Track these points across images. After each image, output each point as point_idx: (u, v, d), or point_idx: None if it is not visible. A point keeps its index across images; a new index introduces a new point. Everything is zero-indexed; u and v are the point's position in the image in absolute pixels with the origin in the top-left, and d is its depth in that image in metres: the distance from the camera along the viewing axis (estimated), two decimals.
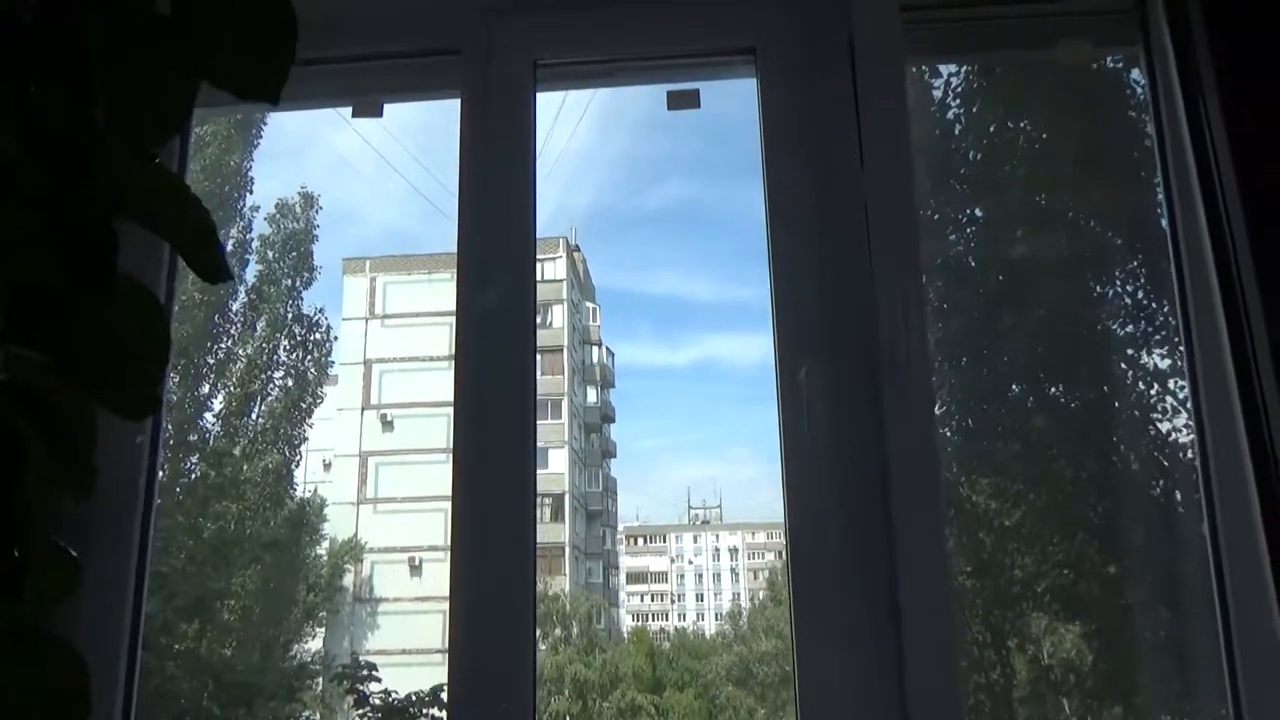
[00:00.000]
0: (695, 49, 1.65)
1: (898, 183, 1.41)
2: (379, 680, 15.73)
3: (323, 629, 14.90)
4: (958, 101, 3.14)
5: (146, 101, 0.64)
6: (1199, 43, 0.71)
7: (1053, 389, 2.99)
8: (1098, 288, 2.81)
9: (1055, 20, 1.53)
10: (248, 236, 12.38)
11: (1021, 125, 3.09)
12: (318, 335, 12.69)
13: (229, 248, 12.18)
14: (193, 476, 10.61)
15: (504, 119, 1.59)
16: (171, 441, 10.24)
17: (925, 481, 1.31)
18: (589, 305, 26.60)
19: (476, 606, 1.44)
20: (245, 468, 10.93)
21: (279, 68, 0.67)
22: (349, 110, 1.70)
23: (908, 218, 1.40)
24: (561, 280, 24.26)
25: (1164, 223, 1.07)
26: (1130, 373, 2.73)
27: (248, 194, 12.33)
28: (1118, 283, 2.81)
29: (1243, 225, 0.72)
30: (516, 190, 1.57)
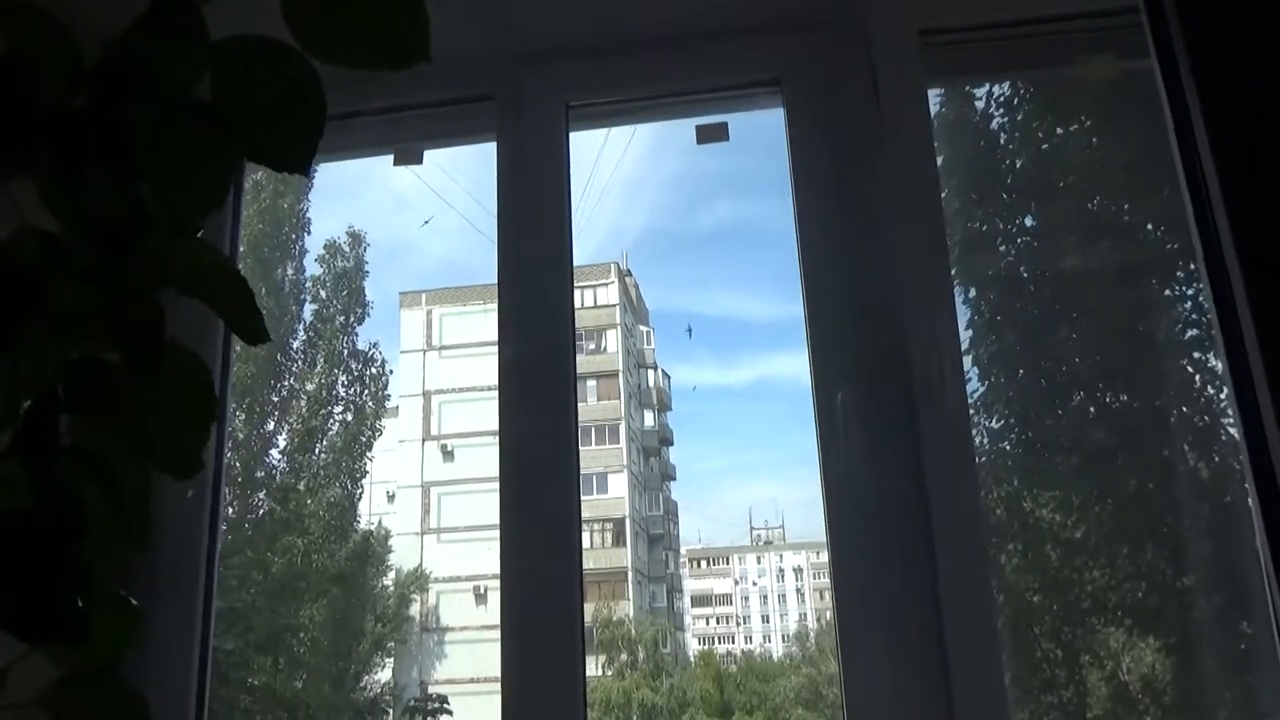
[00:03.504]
0: (721, 83, 1.67)
1: (925, 205, 1.41)
2: (450, 713, 15.84)
3: (391, 659, 15.07)
4: (1001, 111, 3.12)
5: (188, 183, 0.69)
6: (1178, 46, 0.72)
7: (1113, 398, 2.93)
8: (1164, 291, 2.76)
9: (1076, 37, 1.53)
10: (302, 276, 12.73)
11: (1072, 129, 3.05)
12: (373, 369, 12.97)
13: (285, 287, 12.53)
14: (260, 512, 10.86)
15: (538, 161, 1.64)
16: (240, 479, 10.52)
17: (964, 501, 1.31)
18: (642, 329, 26.70)
19: (524, 633, 1.47)
20: (309, 502, 11.16)
21: (309, 143, 0.71)
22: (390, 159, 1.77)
23: (936, 239, 1.41)
24: (614, 305, 24.40)
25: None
26: (1197, 377, 2.66)
27: (305, 234, 12.69)
28: (1178, 286, 2.75)
29: (1229, 233, 0.72)
30: (552, 229, 1.62)
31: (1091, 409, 2.92)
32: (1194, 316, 2.70)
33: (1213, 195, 0.72)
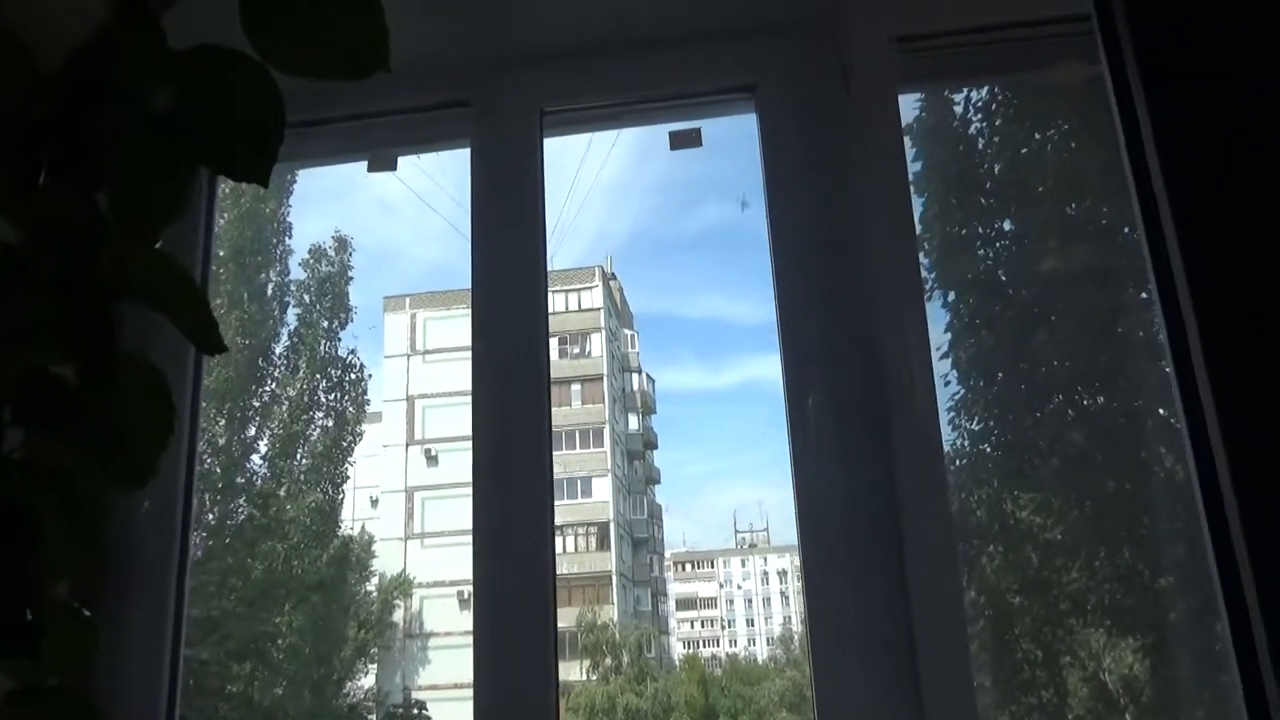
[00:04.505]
0: (696, 89, 1.68)
1: (895, 210, 1.42)
2: (429, 719, 15.76)
3: (375, 665, 14.99)
4: (979, 116, 3.14)
5: (147, 193, 0.69)
6: (1125, 49, 0.73)
7: (1091, 401, 2.95)
8: (1141, 294, 2.78)
9: (1049, 42, 1.54)
10: (286, 280, 12.66)
11: (1049, 134, 3.08)
12: (353, 375, 12.91)
13: (269, 292, 12.46)
14: (240, 518, 10.79)
15: (513, 166, 1.64)
16: (220, 485, 10.44)
17: (935, 504, 1.32)
18: (627, 332, 26.69)
19: (496, 639, 1.48)
20: (289, 507, 11.09)
21: (269, 153, 0.71)
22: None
23: (907, 244, 1.42)
24: (598, 309, 24.39)
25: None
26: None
27: (287, 239, 12.62)
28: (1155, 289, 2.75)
29: (1175, 238, 0.73)
30: (527, 235, 1.62)
31: (1070, 411, 2.94)
32: None
33: (1159, 198, 0.73)
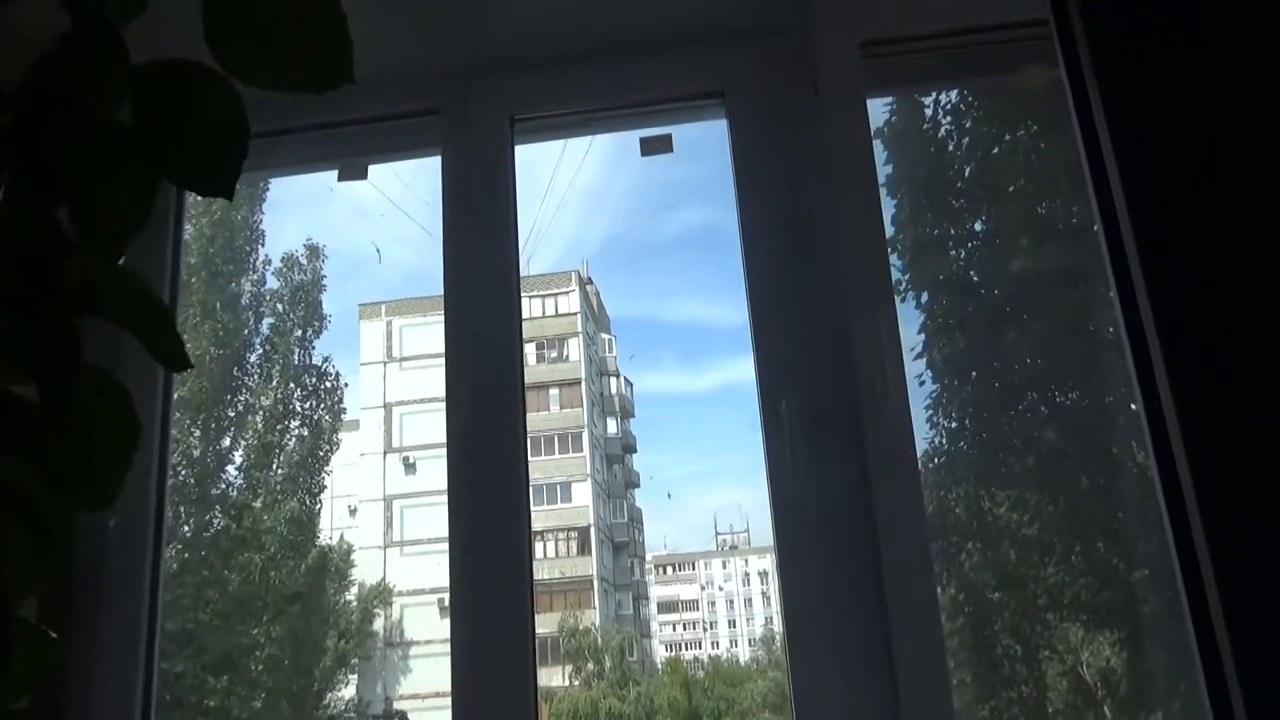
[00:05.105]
0: (666, 95, 1.68)
1: (865, 214, 1.43)
2: None
3: (355, 675, 14.86)
4: (949, 119, 3.16)
5: (110, 207, 0.68)
6: (1083, 53, 0.75)
7: (1063, 397, 2.99)
8: (1110, 291, 2.80)
9: (1014, 46, 1.56)
10: (261, 289, 12.53)
11: (1018, 135, 3.11)
12: (329, 383, 12.80)
13: (244, 300, 12.33)
14: (215, 529, 10.66)
15: (484, 174, 1.64)
16: (195, 496, 10.33)
17: (908, 505, 1.33)
18: (604, 336, 26.66)
19: (474, 646, 1.48)
20: (266, 518, 10.98)
21: (233, 166, 0.70)
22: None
23: (877, 247, 1.43)
24: (575, 314, 24.34)
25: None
26: None
27: (260, 246, 12.49)
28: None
29: (1131, 236, 0.75)
30: (500, 243, 1.62)
31: (1043, 408, 2.97)
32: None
33: (1117, 200, 0.74)
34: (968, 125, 3.17)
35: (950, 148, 3.18)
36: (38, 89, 0.71)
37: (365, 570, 17.16)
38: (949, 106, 3.16)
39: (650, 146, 1.71)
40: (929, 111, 3.11)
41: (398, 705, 16.82)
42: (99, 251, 0.68)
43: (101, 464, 0.68)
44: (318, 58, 0.69)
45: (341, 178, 1.75)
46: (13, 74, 0.74)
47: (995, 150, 3.16)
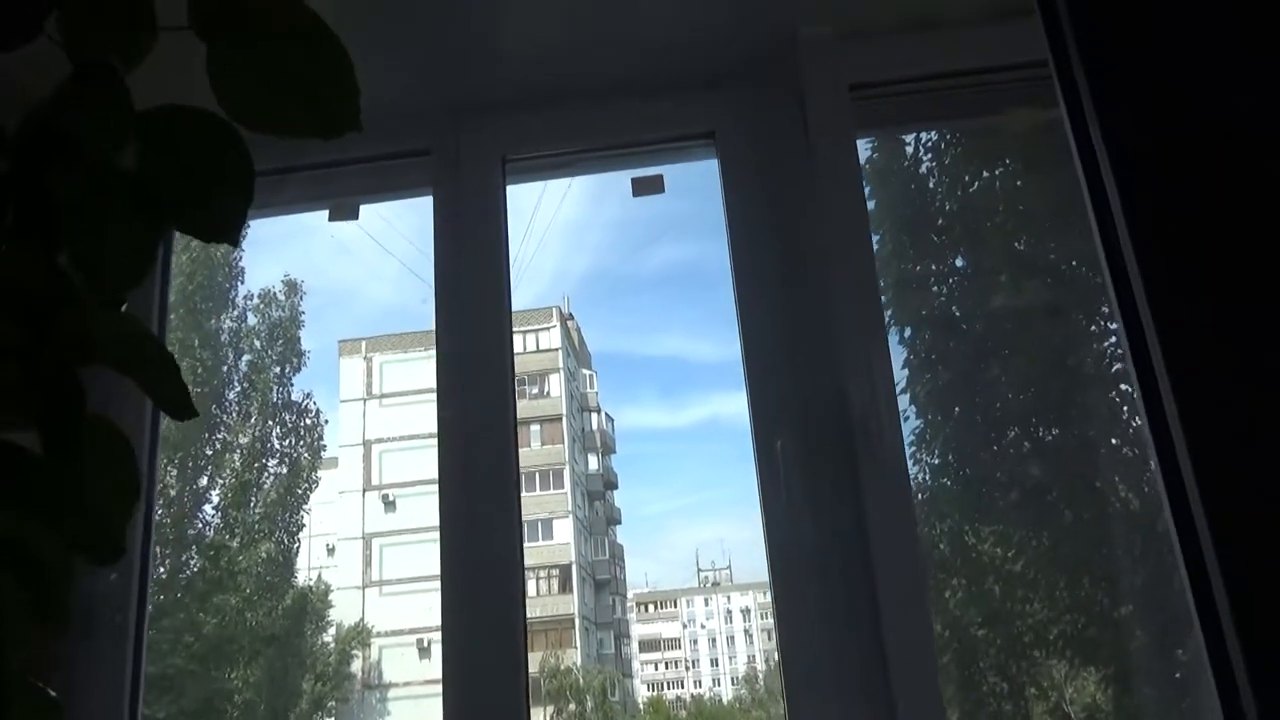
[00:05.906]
0: (657, 136, 1.70)
1: (856, 254, 1.45)
2: None
3: (332, 719, 14.57)
4: (930, 156, 3.20)
5: (112, 254, 0.67)
6: (1082, 91, 0.76)
7: (1045, 432, 3.00)
8: (1090, 326, 2.83)
9: (997, 89, 1.59)
10: (241, 326, 12.45)
11: (998, 173, 3.15)
12: (308, 420, 12.68)
13: (223, 337, 12.24)
14: (191, 571, 10.48)
15: (475, 214, 1.64)
16: (171, 538, 10.15)
17: (904, 544, 1.33)
18: (585, 372, 26.62)
19: (468, 685, 1.45)
20: (242, 559, 10.81)
21: (237, 213, 0.70)
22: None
23: (869, 287, 1.44)
24: (557, 349, 24.32)
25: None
26: (1125, 408, 2.73)
27: (240, 283, 12.42)
28: (1103, 321, 2.83)
29: (1138, 272, 0.76)
30: (491, 282, 1.62)
31: (1026, 443, 2.99)
32: (1119, 350, 2.78)
33: (1121, 236, 0.75)
34: (948, 163, 3.21)
35: (931, 185, 3.22)
36: (39, 134, 0.71)
37: (343, 610, 16.90)
38: (930, 144, 3.20)
39: (642, 187, 1.73)
40: (910, 149, 3.15)
41: None
42: (101, 298, 0.68)
43: (105, 517, 0.66)
44: (325, 104, 0.69)
45: (332, 218, 1.75)
46: (13, 119, 0.73)
47: (974, 187, 3.20)
